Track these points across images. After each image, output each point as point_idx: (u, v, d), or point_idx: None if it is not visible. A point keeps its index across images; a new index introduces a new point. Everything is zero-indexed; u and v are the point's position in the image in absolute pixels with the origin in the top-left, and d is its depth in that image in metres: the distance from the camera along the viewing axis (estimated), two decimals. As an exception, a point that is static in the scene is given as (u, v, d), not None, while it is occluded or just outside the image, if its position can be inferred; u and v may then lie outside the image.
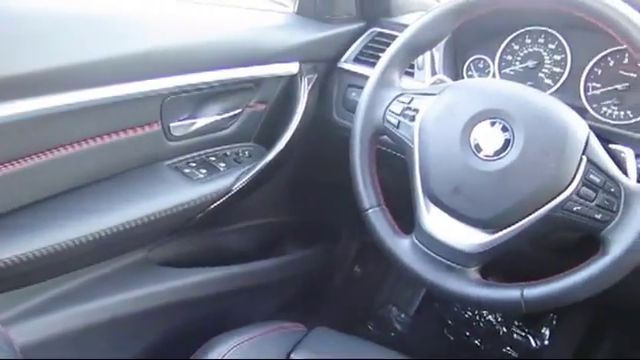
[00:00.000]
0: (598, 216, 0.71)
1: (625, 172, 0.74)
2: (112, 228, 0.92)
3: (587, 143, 0.73)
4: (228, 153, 1.14)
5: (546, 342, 1.54)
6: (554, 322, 1.55)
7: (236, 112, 1.13)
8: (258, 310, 1.34)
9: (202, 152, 1.12)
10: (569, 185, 0.72)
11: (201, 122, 1.09)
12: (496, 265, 0.79)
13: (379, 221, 0.87)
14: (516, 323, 1.58)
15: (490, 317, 1.62)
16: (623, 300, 1.00)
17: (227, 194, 1.07)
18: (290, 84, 1.17)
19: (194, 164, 1.09)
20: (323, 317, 1.47)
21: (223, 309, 1.23)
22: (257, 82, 1.12)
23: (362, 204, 0.88)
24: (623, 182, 0.71)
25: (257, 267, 1.29)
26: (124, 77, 0.91)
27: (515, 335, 1.58)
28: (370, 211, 0.87)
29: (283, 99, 1.18)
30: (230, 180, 1.08)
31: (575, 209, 0.72)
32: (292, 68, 1.15)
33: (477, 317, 1.63)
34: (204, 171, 1.08)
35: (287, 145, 1.14)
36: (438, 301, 1.66)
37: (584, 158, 0.73)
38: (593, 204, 0.72)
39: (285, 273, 1.38)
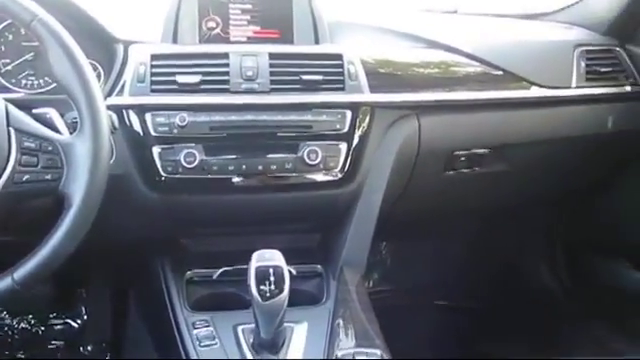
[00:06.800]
0: (48, 177, 0.75)
1: (57, 130, 0.80)
2: None
3: (8, 115, 0.75)
4: None
5: (85, 317, 1.57)
6: (84, 296, 1.58)
7: None
8: None
9: None
10: (9, 159, 0.73)
11: None
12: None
13: None
14: (51, 315, 1.55)
15: (22, 324, 1.54)
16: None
17: None
18: None
19: None
20: None
21: None
22: None
23: None
24: (56, 139, 0.77)
25: None
26: None
27: (55, 326, 1.55)
28: None
29: None
30: None
31: (25, 178, 0.74)
32: None
33: (10, 331, 1.52)
34: None
35: None
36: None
37: (11, 130, 0.74)
38: (39, 168, 0.75)
39: None
